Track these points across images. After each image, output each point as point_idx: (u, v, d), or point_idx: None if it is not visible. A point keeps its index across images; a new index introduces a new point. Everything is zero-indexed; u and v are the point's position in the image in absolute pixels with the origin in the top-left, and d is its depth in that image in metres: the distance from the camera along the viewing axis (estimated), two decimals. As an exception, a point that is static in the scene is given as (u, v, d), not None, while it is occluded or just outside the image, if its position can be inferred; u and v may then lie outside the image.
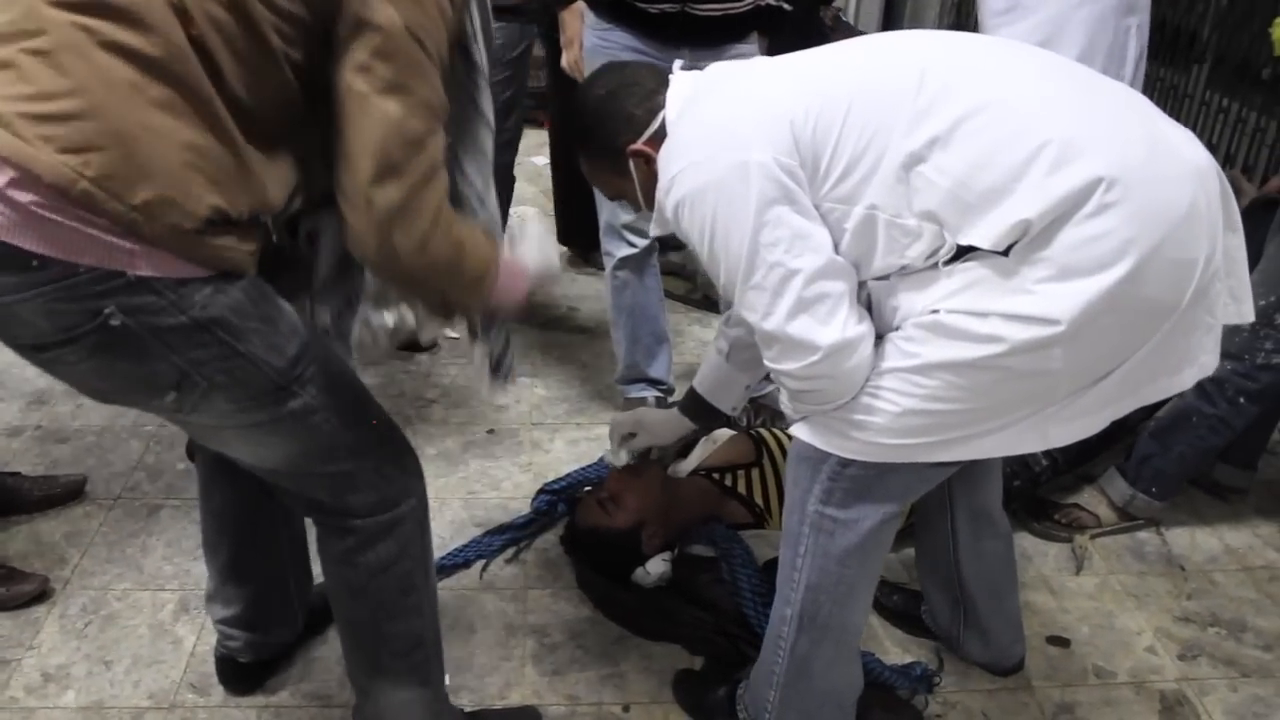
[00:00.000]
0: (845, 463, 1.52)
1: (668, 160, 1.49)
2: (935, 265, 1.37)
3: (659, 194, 1.51)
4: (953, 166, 1.32)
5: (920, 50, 1.44)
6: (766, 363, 1.52)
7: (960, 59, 1.43)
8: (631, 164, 1.60)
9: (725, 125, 1.44)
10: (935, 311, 1.38)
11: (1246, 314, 1.51)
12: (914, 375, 1.41)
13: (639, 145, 1.57)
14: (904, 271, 1.41)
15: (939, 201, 1.34)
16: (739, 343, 1.93)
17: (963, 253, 1.35)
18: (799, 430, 1.57)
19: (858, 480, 1.54)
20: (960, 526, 1.90)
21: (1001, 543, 1.95)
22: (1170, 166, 1.34)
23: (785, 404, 1.59)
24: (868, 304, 1.50)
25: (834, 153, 1.38)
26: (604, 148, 1.63)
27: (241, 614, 1.88)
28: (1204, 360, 1.46)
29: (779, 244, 1.39)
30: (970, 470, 1.83)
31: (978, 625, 1.99)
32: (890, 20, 5.22)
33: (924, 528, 1.97)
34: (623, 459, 2.19)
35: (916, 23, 4.92)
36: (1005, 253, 1.33)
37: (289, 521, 1.89)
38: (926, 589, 2.05)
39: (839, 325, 1.41)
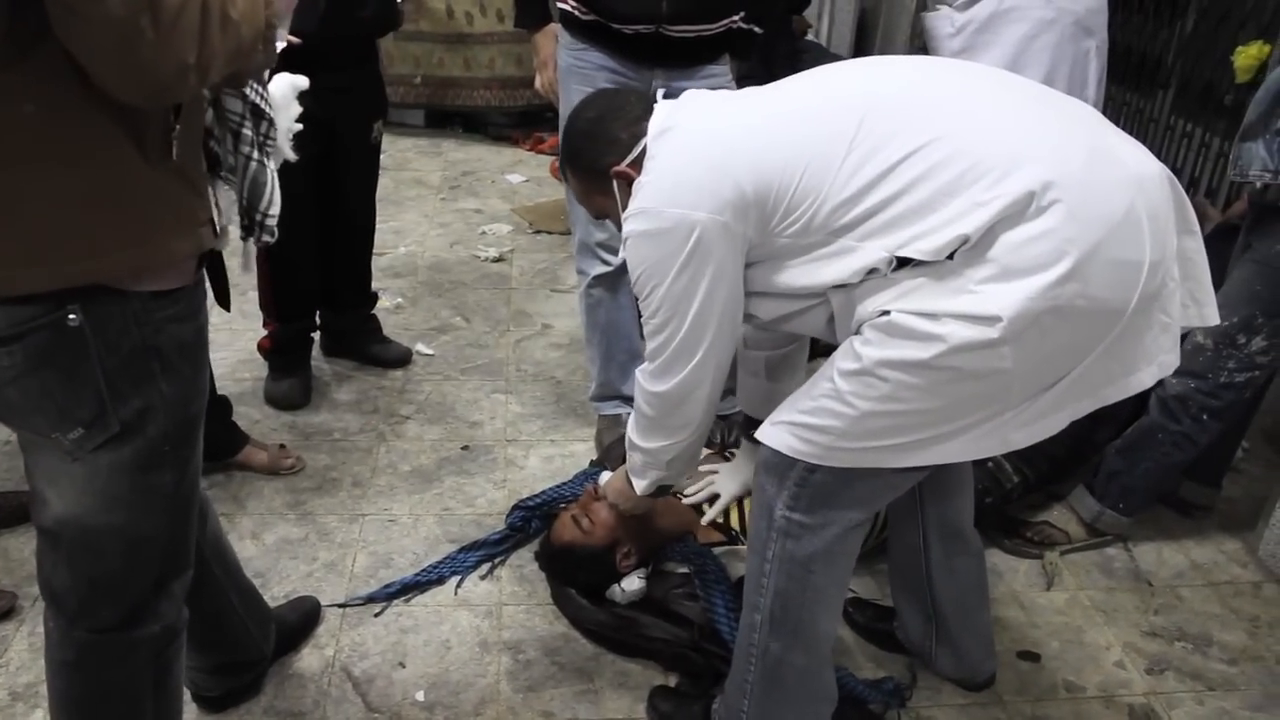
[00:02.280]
0: (811, 468, 1.56)
1: (633, 196, 1.60)
2: (884, 275, 1.44)
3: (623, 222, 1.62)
4: (889, 194, 1.41)
5: (863, 93, 1.52)
6: (638, 374, 1.73)
7: (902, 93, 1.51)
8: (615, 185, 1.68)
9: (679, 180, 1.55)
10: (886, 312, 1.44)
11: (1209, 317, 1.57)
12: (868, 376, 1.46)
13: (622, 167, 1.66)
14: (854, 283, 1.48)
15: (878, 226, 1.42)
16: (768, 361, 1.98)
17: (907, 261, 1.42)
18: (765, 436, 1.61)
19: (824, 486, 1.58)
20: (932, 543, 1.92)
21: (973, 560, 1.97)
22: (1108, 172, 1.40)
23: (630, 428, 1.84)
24: (829, 317, 1.56)
25: (775, 206, 1.49)
26: (591, 169, 1.72)
27: (200, 662, 1.86)
28: (1164, 359, 1.50)
29: (680, 300, 1.57)
30: (942, 487, 1.86)
31: (949, 641, 2.01)
32: (862, 41, 5.27)
33: (896, 544, 2.00)
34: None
35: (887, 42, 4.98)
36: (950, 256, 1.39)
37: (219, 553, 1.81)
38: (899, 605, 2.07)
39: (676, 379, 1.66)
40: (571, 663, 2.11)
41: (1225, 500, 2.68)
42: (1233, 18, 3.20)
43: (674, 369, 1.65)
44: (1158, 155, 3.43)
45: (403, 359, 3.21)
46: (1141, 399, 2.41)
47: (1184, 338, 2.28)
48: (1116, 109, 3.77)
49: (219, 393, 2.61)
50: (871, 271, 1.44)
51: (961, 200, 1.38)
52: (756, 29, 2.54)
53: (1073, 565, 2.46)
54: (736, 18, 2.47)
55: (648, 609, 2.15)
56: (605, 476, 2.19)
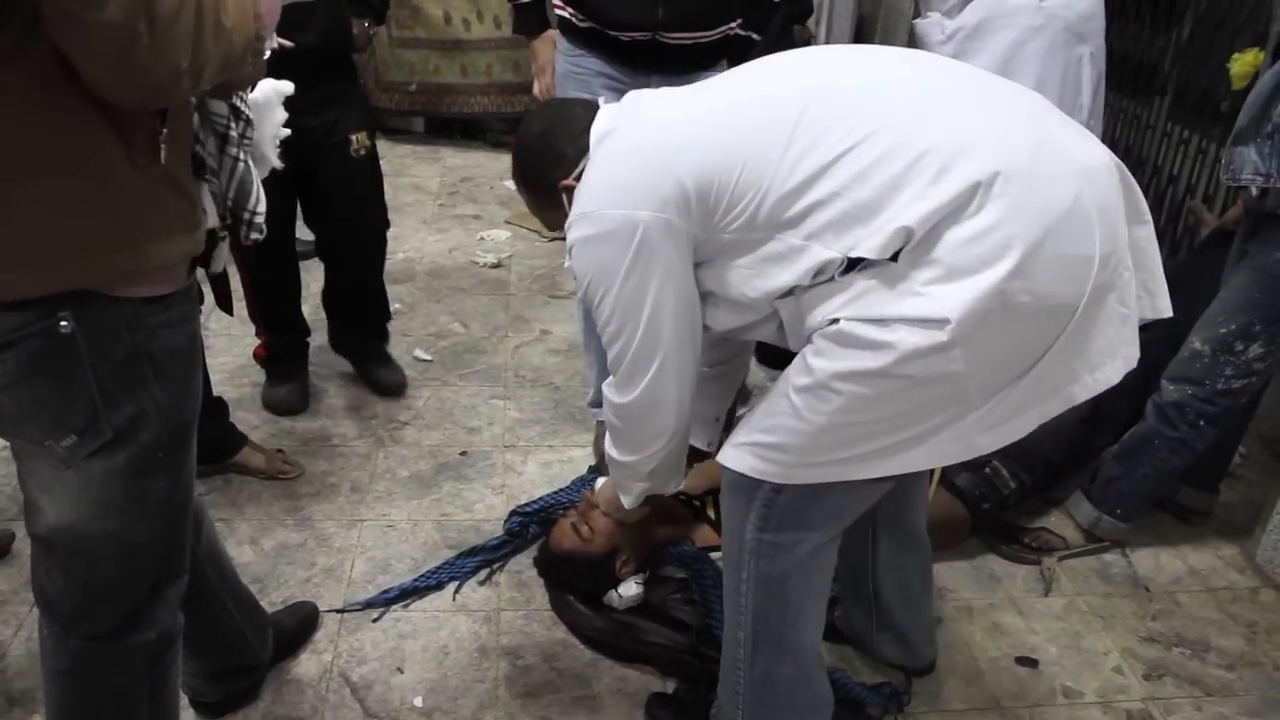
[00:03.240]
0: (778, 488, 1.55)
1: (574, 203, 1.58)
2: (832, 278, 1.43)
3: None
4: (833, 189, 1.39)
5: (804, 85, 1.50)
6: (605, 388, 1.70)
7: (847, 83, 1.50)
8: (565, 199, 1.66)
9: (618, 181, 1.53)
10: (835, 321, 1.43)
11: (1162, 308, 1.55)
12: (822, 390, 1.45)
13: (570, 181, 1.64)
14: (802, 289, 1.46)
15: (823, 223, 1.41)
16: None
17: (855, 264, 1.40)
18: (727, 459, 1.60)
19: (792, 505, 1.56)
20: (881, 539, 1.94)
21: (920, 554, 2.00)
22: (1053, 166, 1.38)
23: (606, 443, 1.81)
24: (779, 326, 1.55)
25: (718, 200, 1.47)
26: (541, 184, 1.70)
27: (197, 668, 1.86)
28: (1126, 352, 1.49)
29: (631, 303, 1.55)
30: (898, 488, 1.85)
31: (892, 627, 2.03)
32: (859, 49, 5.29)
33: (845, 536, 1.99)
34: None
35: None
36: (894, 258, 1.38)
37: (214, 558, 1.80)
38: (842, 594, 2.08)
39: (639, 388, 1.61)
40: (570, 668, 2.11)
41: (1223, 506, 2.68)
42: (1228, 25, 3.21)
43: (635, 378, 1.62)
44: (1155, 161, 3.44)
45: (399, 388, 3.09)
46: (1139, 406, 2.42)
47: (1180, 345, 2.31)
48: (1114, 115, 3.78)
49: (216, 394, 2.61)
50: (819, 274, 1.43)
51: (906, 194, 1.36)
52: (755, 35, 2.55)
53: (1070, 571, 2.46)
54: (734, 24, 2.48)
55: (645, 614, 2.15)
56: (600, 483, 2.19)
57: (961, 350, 1.36)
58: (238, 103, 1.45)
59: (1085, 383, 1.47)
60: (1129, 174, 1.47)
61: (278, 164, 1.57)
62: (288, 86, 1.58)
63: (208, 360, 3.10)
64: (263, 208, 1.52)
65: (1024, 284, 1.34)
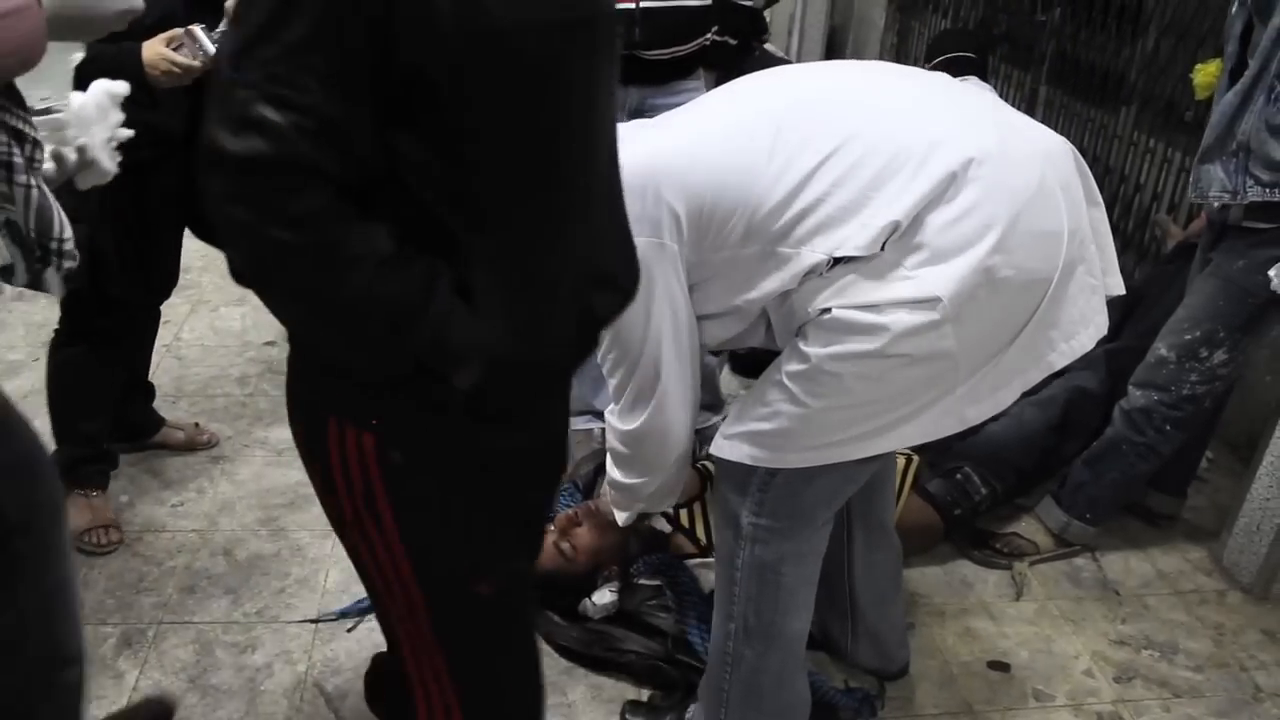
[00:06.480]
0: (772, 472, 1.58)
1: None
2: (820, 275, 1.46)
3: None
4: (817, 196, 1.44)
5: (776, 104, 1.55)
6: (607, 415, 1.73)
7: (814, 98, 1.55)
8: None
9: None
10: (827, 310, 1.46)
11: (1114, 287, 1.61)
12: (818, 373, 1.47)
13: None
14: (791, 292, 1.50)
15: (810, 229, 1.45)
16: None
17: (840, 259, 1.45)
18: (721, 449, 1.62)
19: (786, 488, 1.59)
20: (856, 537, 1.96)
21: (892, 553, 2.03)
22: (1017, 150, 1.46)
23: (608, 466, 1.84)
24: (768, 325, 1.58)
25: (707, 222, 1.50)
26: None
27: None
28: (1098, 321, 1.56)
29: (631, 330, 1.56)
30: (867, 483, 1.88)
31: (867, 632, 2.05)
32: (832, 58, 5.32)
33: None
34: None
35: (857, 59, 5.03)
36: (882, 248, 1.43)
37: None
38: (818, 601, 2.09)
39: (644, 415, 1.63)
40: (544, 676, 2.10)
41: (1190, 509, 2.71)
42: (1191, 36, 3.26)
43: (639, 405, 1.64)
44: (1122, 170, 3.48)
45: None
46: (1107, 413, 2.45)
47: (1146, 352, 2.34)
48: (1081, 124, 3.83)
49: (148, 380, 2.72)
50: (808, 275, 1.47)
51: (887, 191, 1.41)
52: (732, 40, 2.57)
53: (1041, 575, 2.48)
54: (709, 34, 2.50)
55: (620, 622, 2.15)
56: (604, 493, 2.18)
57: (952, 326, 1.41)
58: (17, 124, 1.30)
59: (1061, 350, 1.54)
60: (1081, 158, 1.55)
61: (112, 169, 1.44)
62: (121, 87, 1.44)
63: (180, 370, 3.09)
64: (69, 234, 1.38)
65: (1005, 258, 1.40)
